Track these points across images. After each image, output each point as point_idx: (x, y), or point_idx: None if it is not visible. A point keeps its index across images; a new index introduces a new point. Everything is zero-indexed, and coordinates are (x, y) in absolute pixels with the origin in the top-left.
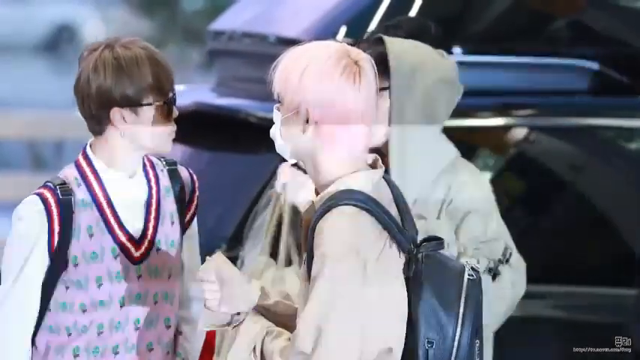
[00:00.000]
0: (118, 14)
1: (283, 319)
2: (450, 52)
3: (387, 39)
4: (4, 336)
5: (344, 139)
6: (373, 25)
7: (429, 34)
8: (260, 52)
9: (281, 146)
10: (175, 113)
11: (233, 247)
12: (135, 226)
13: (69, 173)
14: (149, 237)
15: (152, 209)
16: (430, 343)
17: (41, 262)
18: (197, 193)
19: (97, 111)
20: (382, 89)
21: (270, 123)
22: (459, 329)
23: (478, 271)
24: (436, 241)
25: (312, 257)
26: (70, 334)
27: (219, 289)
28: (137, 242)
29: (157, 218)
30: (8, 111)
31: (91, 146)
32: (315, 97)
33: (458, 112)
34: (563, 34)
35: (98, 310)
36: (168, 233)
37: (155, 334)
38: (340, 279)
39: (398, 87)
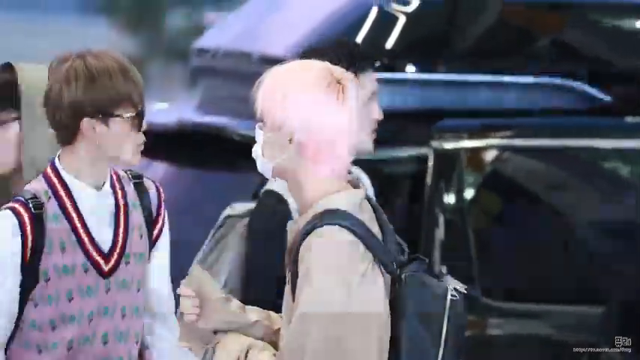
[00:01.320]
0: (101, 32)
1: (263, 339)
2: (433, 71)
3: (17, 66)
4: None
5: (327, 158)
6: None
7: (349, 56)
8: (243, 70)
9: (263, 165)
10: (144, 126)
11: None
12: (104, 240)
13: (38, 186)
14: (118, 250)
15: (120, 222)
16: None
17: (14, 281)
18: (163, 207)
19: (68, 121)
20: (11, 119)
21: (253, 141)
22: (441, 351)
23: (461, 292)
24: (419, 261)
25: (297, 275)
26: (40, 351)
27: (199, 304)
28: (106, 256)
29: (125, 231)
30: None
31: (59, 158)
32: (299, 116)
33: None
34: (547, 52)
35: (68, 325)
36: (136, 247)
37: (125, 348)
38: (324, 298)
39: (28, 117)
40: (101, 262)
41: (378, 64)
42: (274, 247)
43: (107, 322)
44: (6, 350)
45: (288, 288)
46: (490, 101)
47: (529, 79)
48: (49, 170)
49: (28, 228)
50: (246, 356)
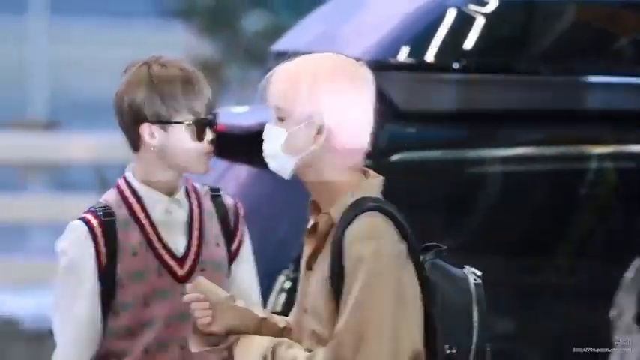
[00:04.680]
0: (179, 36)
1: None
2: (511, 72)
3: None
4: None
5: (354, 148)
6: (435, 46)
7: None
8: None
9: (283, 163)
10: (209, 135)
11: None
12: (177, 246)
13: (109, 197)
14: (192, 256)
15: (194, 230)
16: (450, 349)
17: (92, 287)
18: (242, 222)
19: (130, 126)
20: None
21: None
22: (475, 335)
23: (480, 276)
24: (437, 249)
25: (337, 267)
26: (118, 359)
27: (209, 308)
28: (180, 260)
29: (199, 238)
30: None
31: (131, 167)
32: (329, 106)
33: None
34: (627, 52)
35: (145, 331)
36: (213, 254)
37: (200, 354)
38: (378, 284)
39: None
40: (175, 266)
41: (456, 65)
42: None
43: (184, 327)
44: None
45: (323, 279)
46: (569, 102)
47: (611, 79)
48: (120, 180)
49: (99, 235)
50: (273, 355)
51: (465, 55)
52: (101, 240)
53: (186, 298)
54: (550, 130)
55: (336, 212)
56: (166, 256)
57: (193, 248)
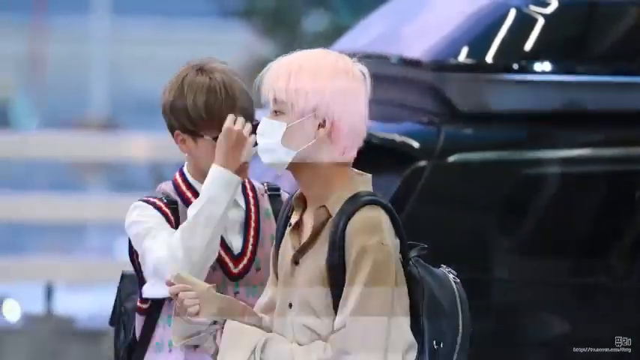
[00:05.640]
0: (239, 37)
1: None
2: (573, 73)
3: None
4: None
5: (352, 142)
6: (495, 47)
7: None
8: (382, 74)
9: (279, 157)
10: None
11: None
12: (233, 243)
13: (166, 187)
14: (248, 255)
15: (251, 229)
16: (437, 345)
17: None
18: None
19: (168, 129)
20: None
21: (392, 144)
22: (460, 333)
23: (457, 275)
24: (419, 247)
25: (338, 259)
26: (170, 350)
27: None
28: (235, 258)
29: (255, 237)
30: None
31: (186, 164)
32: (331, 100)
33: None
34: None
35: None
36: (268, 254)
37: None
38: (383, 275)
39: None
40: (229, 263)
41: (515, 66)
42: None
43: None
44: (142, 351)
45: (321, 270)
46: (629, 103)
47: None
48: (177, 174)
49: (169, 214)
50: (263, 348)
51: (525, 55)
52: (171, 218)
53: (171, 289)
54: (609, 131)
55: (332, 206)
56: (221, 252)
57: (249, 247)
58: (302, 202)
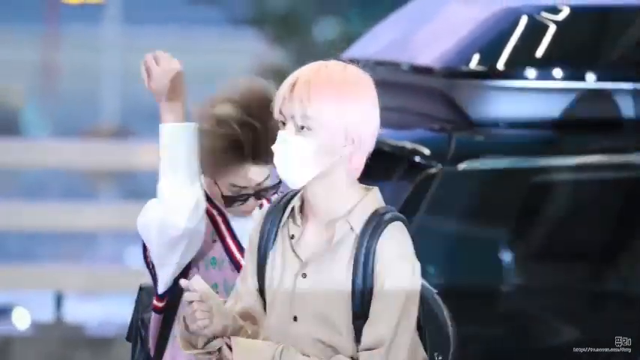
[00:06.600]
0: (250, 45)
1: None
2: (584, 80)
3: None
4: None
5: (365, 156)
6: (507, 53)
7: None
8: (393, 81)
9: (302, 173)
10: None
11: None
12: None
13: None
14: None
15: None
16: (437, 357)
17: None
18: None
19: None
20: None
21: (402, 152)
22: (452, 344)
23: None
24: None
25: (368, 277)
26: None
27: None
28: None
29: None
30: (144, 142)
31: None
32: (356, 117)
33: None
34: None
35: None
36: None
37: None
38: (415, 293)
39: None
40: (240, 258)
41: (527, 73)
42: None
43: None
44: (164, 344)
45: (298, 281)
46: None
47: None
48: None
49: None
50: (281, 357)
51: (537, 63)
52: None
53: (188, 296)
54: (619, 138)
55: (355, 222)
56: (234, 248)
57: None
58: (303, 214)
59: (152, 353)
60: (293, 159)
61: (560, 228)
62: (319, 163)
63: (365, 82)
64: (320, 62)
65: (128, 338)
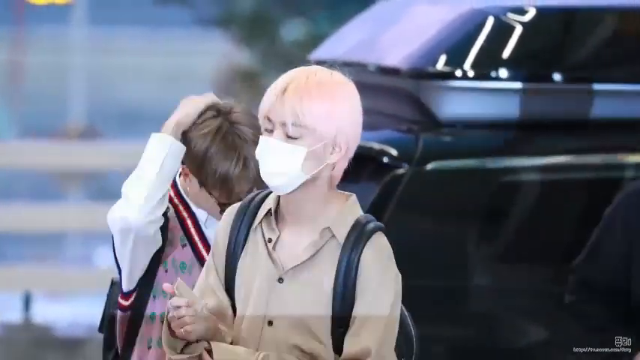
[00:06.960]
0: (217, 46)
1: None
2: (547, 81)
3: None
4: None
5: (346, 164)
6: (473, 54)
7: None
8: (361, 82)
9: (291, 180)
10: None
11: None
12: None
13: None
14: None
15: None
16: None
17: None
18: None
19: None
20: None
21: (370, 152)
22: (414, 345)
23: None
24: None
25: (350, 284)
26: (149, 347)
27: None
28: None
29: None
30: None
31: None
32: (345, 123)
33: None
34: None
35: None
36: None
37: None
38: (398, 303)
39: None
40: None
41: (494, 74)
42: None
43: None
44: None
45: (274, 286)
46: (607, 111)
47: None
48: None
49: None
50: None
51: (503, 63)
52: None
53: (175, 302)
54: (586, 138)
55: (337, 229)
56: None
57: None
58: (278, 217)
59: (120, 352)
60: (282, 166)
61: (527, 228)
62: (307, 170)
63: (351, 89)
64: (306, 68)
65: (100, 329)
